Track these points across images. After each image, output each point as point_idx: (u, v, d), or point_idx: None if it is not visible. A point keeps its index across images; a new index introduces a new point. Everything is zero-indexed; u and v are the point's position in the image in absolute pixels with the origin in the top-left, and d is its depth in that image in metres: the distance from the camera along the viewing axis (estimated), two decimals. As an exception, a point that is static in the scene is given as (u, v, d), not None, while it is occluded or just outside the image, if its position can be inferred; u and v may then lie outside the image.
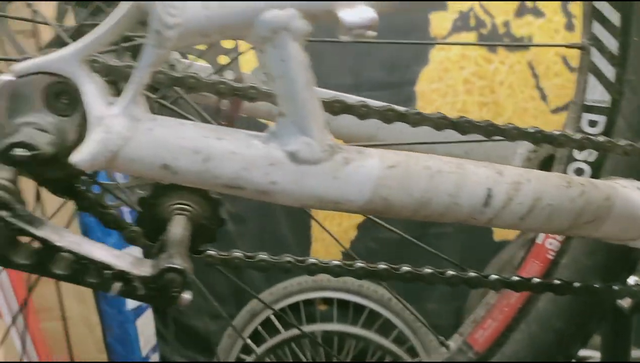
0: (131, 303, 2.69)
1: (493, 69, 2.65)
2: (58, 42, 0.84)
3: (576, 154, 0.96)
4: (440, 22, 2.65)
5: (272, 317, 2.71)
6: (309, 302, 2.75)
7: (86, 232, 2.54)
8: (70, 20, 0.93)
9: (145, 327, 2.83)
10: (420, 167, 0.70)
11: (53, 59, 0.59)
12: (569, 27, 2.58)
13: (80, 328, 2.65)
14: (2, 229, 0.58)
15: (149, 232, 0.77)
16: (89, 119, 0.60)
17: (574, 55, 2.47)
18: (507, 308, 1.02)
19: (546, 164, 1.02)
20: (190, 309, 2.87)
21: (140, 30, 0.81)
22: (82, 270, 0.63)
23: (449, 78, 2.66)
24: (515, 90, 2.65)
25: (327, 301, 2.79)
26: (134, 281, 0.64)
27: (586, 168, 0.96)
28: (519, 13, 2.62)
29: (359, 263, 0.82)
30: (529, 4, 2.60)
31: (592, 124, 0.94)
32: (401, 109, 0.76)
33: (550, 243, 1.00)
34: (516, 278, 0.84)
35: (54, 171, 0.66)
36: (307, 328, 2.72)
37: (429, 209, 0.71)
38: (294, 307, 2.72)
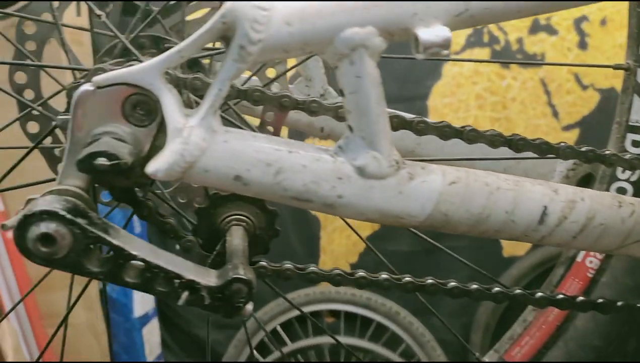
0: (138, 311, 2.69)
1: (505, 85, 2.67)
2: (114, 52, 0.85)
3: (619, 173, 0.97)
4: (453, 37, 2.66)
5: (279, 328, 2.71)
6: (316, 314, 2.74)
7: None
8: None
9: (151, 335, 2.82)
10: (481, 183, 0.71)
11: (135, 71, 0.60)
12: (582, 45, 2.60)
13: (86, 335, 2.65)
14: (79, 237, 0.59)
15: (205, 242, 0.77)
16: (168, 130, 0.61)
17: (586, 74, 2.51)
18: (545, 326, 1.02)
19: (583, 182, 1.03)
20: (196, 318, 2.86)
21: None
22: (152, 279, 0.63)
23: (462, 93, 2.68)
24: (527, 107, 2.67)
25: (335, 313, 2.78)
26: (201, 291, 0.64)
27: (629, 187, 0.97)
28: (533, 30, 2.64)
29: (407, 278, 0.83)
30: (542, 21, 2.62)
31: (636, 144, 0.96)
32: (457, 126, 0.77)
33: (590, 261, 1.00)
34: (561, 296, 0.85)
35: (124, 180, 0.66)
36: (314, 340, 2.72)
37: (485, 225, 0.72)
38: (301, 318, 2.71)
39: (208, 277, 0.65)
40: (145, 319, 2.75)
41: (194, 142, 0.60)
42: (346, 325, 2.74)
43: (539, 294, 0.85)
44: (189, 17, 0.96)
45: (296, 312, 2.69)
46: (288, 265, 0.80)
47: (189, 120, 0.61)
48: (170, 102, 0.61)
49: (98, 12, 0.71)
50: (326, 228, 2.81)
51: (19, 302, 1.00)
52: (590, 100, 2.63)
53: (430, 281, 0.83)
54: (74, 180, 0.63)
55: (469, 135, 0.76)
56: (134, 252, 0.61)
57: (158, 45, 0.87)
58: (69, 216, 0.58)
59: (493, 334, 2.70)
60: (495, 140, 0.77)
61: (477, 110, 2.69)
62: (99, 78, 0.61)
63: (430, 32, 0.60)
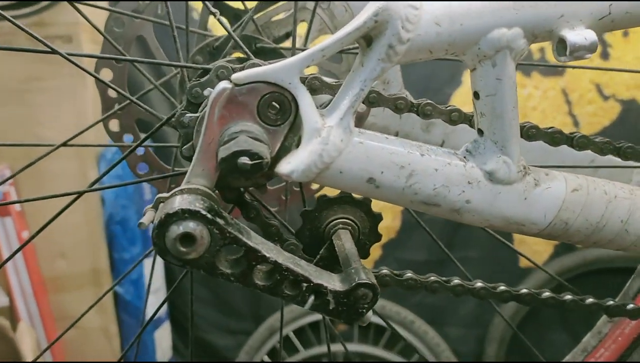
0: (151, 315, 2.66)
1: (526, 94, 2.66)
2: (207, 51, 0.83)
3: None
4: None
5: (292, 335, 2.69)
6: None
7: (112, 240, 2.52)
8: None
9: (163, 339, 2.80)
10: (600, 191, 0.70)
11: (276, 68, 0.59)
12: (604, 55, 2.60)
13: (98, 338, 2.62)
14: (217, 237, 0.57)
15: (308, 246, 0.75)
16: (304, 129, 0.59)
17: (608, 84, 2.51)
18: (620, 338, 1.01)
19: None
20: (206, 324, 2.84)
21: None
22: (281, 282, 0.61)
23: (482, 101, 2.66)
24: (547, 116, 2.67)
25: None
26: (327, 295, 0.63)
27: None
28: (554, 40, 2.63)
29: (502, 287, 0.82)
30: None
31: None
32: (567, 133, 0.75)
33: (670, 273, 0.99)
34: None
35: (244, 180, 0.65)
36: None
37: (599, 235, 0.71)
38: (314, 325, 2.69)
39: (333, 282, 0.64)
40: (157, 323, 2.72)
41: (333, 142, 0.59)
42: (360, 333, 2.72)
43: (631, 306, 0.84)
44: (275, 18, 0.95)
45: (310, 318, 2.66)
46: (385, 271, 0.79)
47: (327, 120, 0.59)
48: (307, 101, 0.59)
49: (212, 9, 0.70)
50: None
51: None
52: (612, 110, 2.63)
53: (525, 291, 0.82)
54: (202, 179, 0.62)
55: (579, 142, 0.75)
56: (267, 254, 0.60)
57: (250, 45, 0.85)
58: (210, 216, 0.56)
59: (508, 346, 2.70)
60: (604, 147, 0.75)
61: (497, 119, 2.68)
62: (238, 75, 0.59)
63: (578, 35, 0.59)
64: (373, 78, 0.58)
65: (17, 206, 2.37)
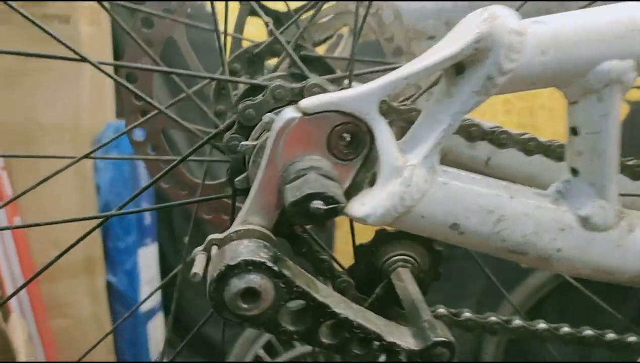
0: (144, 306, 2.60)
1: (535, 91, 2.59)
2: (246, 58, 0.75)
3: None
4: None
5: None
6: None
7: (106, 229, 2.44)
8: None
9: (156, 330, 2.74)
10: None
11: (353, 97, 0.51)
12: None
13: (90, 328, 2.56)
14: (282, 291, 0.49)
15: (361, 283, 0.68)
16: (382, 167, 0.51)
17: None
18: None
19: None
20: (201, 316, 2.76)
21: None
22: (350, 340, 0.54)
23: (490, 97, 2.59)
24: (555, 115, 2.60)
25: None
26: (400, 354, 0.55)
27: None
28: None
29: (566, 328, 0.75)
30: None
31: None
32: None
33: None
34: None
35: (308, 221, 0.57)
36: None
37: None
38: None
39: (404, 338, 0.56)
40: (150, 314, 2.66)
41: (416, 183, 0.51)
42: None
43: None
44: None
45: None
46: (441, 309, 0.72)
47: (408, 158, 0.52)
48: (386, 135, 0.52)
49: (266, 18, 0.61)
50: (343, 227, 2.72)
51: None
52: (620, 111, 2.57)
53: (589, 332, 0.75)
54: (259, 218, 0.54)
55: (633, 171, 0.68)
56: (337, 310, 0.52)
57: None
58: (276, 268, 0.48)
59: (506, 345, 2.66)
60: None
61: (504, 115, 2.62)
62: (307, 103, 0.51)
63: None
64: (465, 111, 0.51)
65: (8, 190, 2.28)
